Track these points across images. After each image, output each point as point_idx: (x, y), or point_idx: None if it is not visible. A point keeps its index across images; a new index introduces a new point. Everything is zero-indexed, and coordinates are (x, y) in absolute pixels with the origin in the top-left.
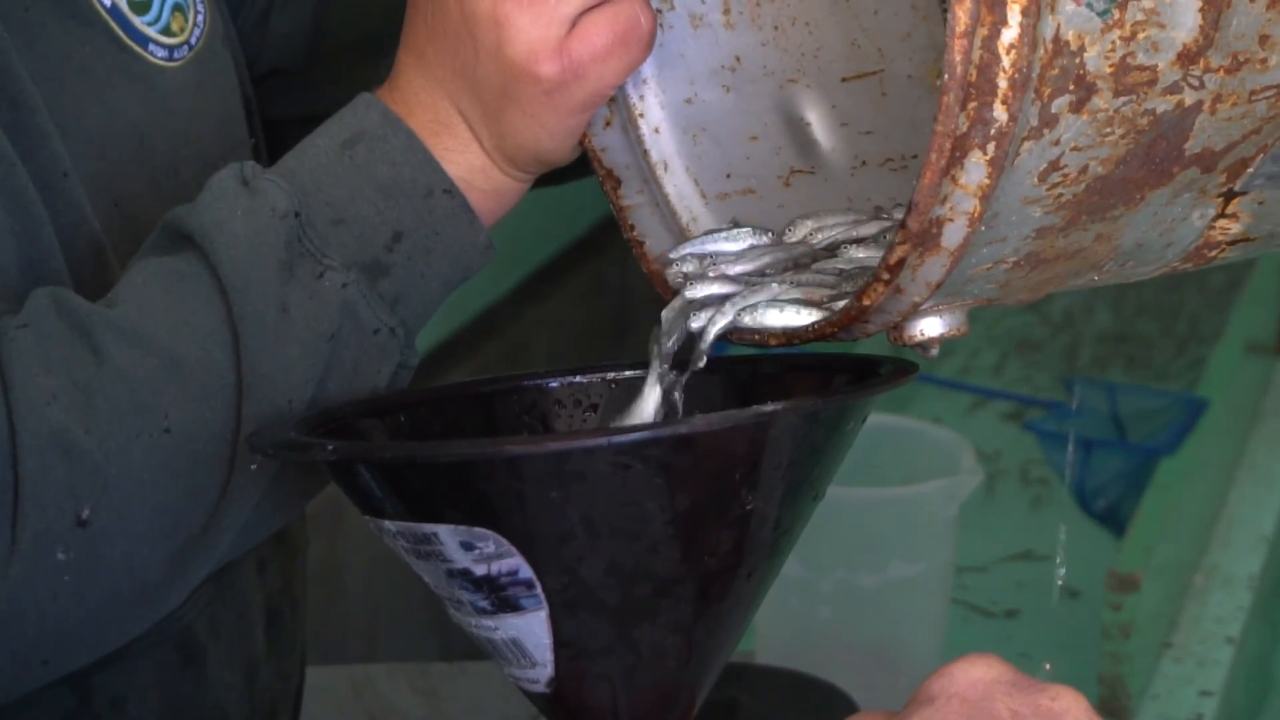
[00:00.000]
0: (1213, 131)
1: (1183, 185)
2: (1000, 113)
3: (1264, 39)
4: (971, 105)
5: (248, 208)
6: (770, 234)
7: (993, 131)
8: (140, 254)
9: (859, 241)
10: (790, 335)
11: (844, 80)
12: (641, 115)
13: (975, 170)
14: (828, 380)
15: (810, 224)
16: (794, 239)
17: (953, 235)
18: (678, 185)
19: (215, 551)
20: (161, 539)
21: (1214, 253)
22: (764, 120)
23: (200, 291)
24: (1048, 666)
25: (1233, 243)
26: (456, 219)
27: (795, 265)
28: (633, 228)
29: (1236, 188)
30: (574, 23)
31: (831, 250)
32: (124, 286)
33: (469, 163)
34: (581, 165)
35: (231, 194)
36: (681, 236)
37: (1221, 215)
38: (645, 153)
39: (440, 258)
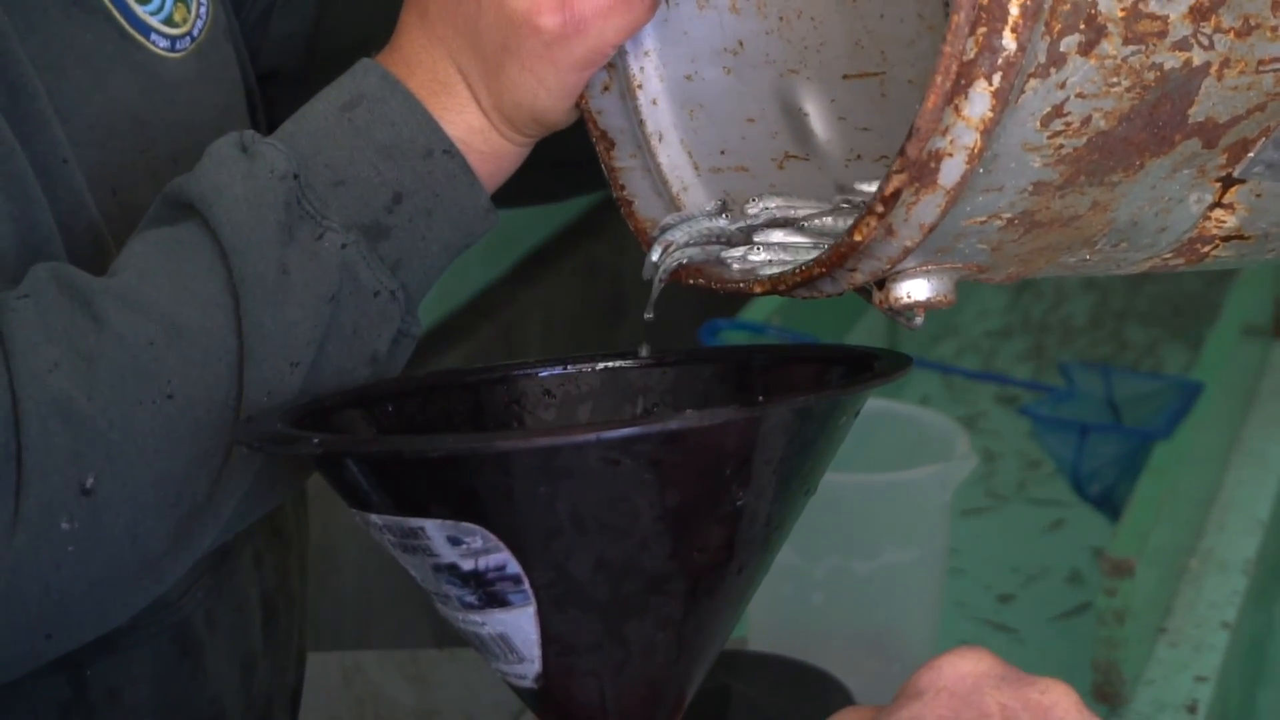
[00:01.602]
0: (1218, 99)
1: (1183, 158)
2: (1009, 41)
3: (1276, 5)
4: (981, 30)
5: (247, 171)
6: (727, 214)
7: (1000, 61)
8: (140, 227)
9: (786, 224)
10: (775, 280)
11: (845, 77)
12: (640, 86)
13: (979, 101)
14: (821, 372)
15: (779, 201)
16: (754, 210)
17: (951, 171)
18: (671, 156)
19: (218, 520)
20: (166, 507)
21: (1207, 248)
22: (762, 105)
23: (201, 258)
24: None
25: (1226, 238)
26: (456, 180)
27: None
28: (623, 187)
29: (1235, 173)
30: None
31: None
32: (124, 257)
33: (467, 123)
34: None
35: (231, 159)
36: (672, 203)
37: (1218, 204)
38: (641, 122)
39: (441, 220)
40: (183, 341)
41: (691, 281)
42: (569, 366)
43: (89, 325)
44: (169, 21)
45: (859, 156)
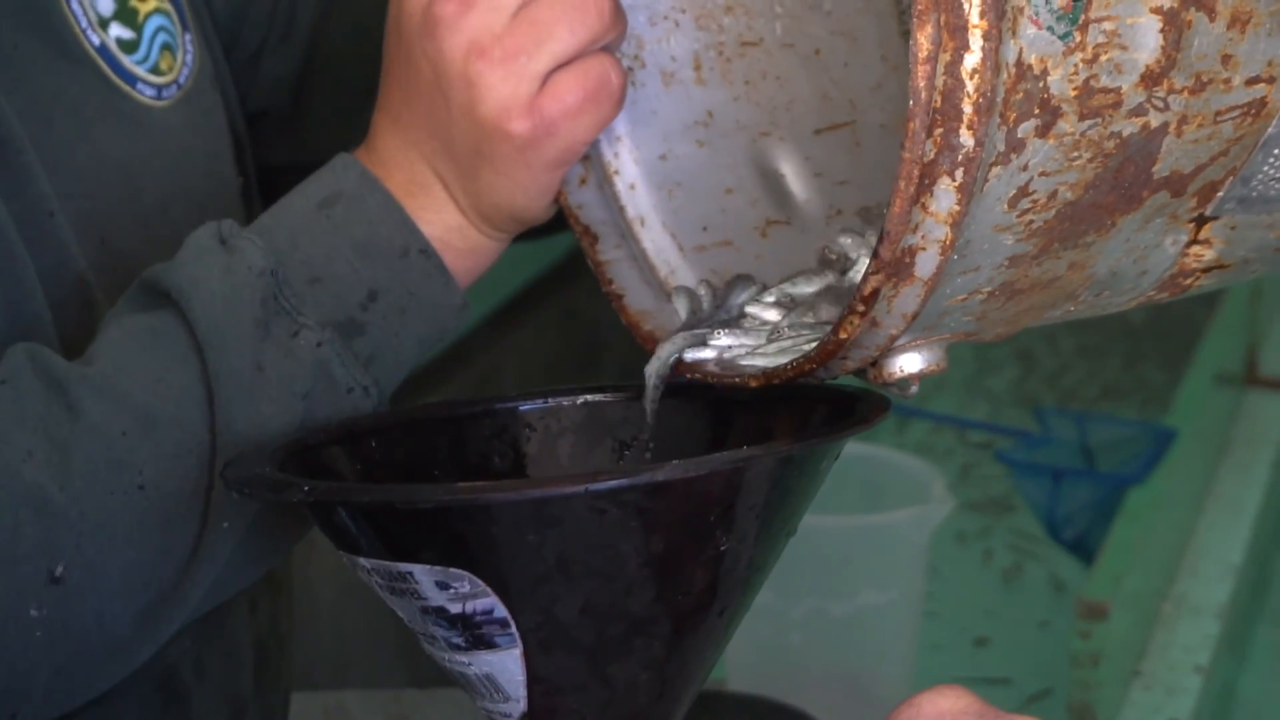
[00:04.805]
0: (1180, 154)
1: (1153, 210)
2: (967, 138)
3: (1226, 59)
4: (938, 131)
5: (225, 266)
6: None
7: (960, 157)
8: (116, 310)
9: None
10: (769, 375)
11: (817, 132)
12: (617, 172)
13: (945, 197)
14: (802, 409)
15: (778, 291)
16: (737, 301)
17: (926, 264)
18: (655, 240)
19: (186, 607)
20: (133, 595)
21: (1189, 280)
22: (738, 173)
23: (176, 349)
24: None
25: (1207, 270)
26: (431, 279)
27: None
28: (611, 281)
29: (1207, 212)
30: (545, 80)
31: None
32: (100, 344)
33: (445, 222)
34: (558, 222)
35: (209, 252)
36: (660, 289)
37: (1194, 241)
38: (622, 209)
39: (415, 318)
40: (156, 433)
41: (690, 377)
42: (549, 400)
43: (64, 415)
44: (155, 70)
45: (839, 212)
